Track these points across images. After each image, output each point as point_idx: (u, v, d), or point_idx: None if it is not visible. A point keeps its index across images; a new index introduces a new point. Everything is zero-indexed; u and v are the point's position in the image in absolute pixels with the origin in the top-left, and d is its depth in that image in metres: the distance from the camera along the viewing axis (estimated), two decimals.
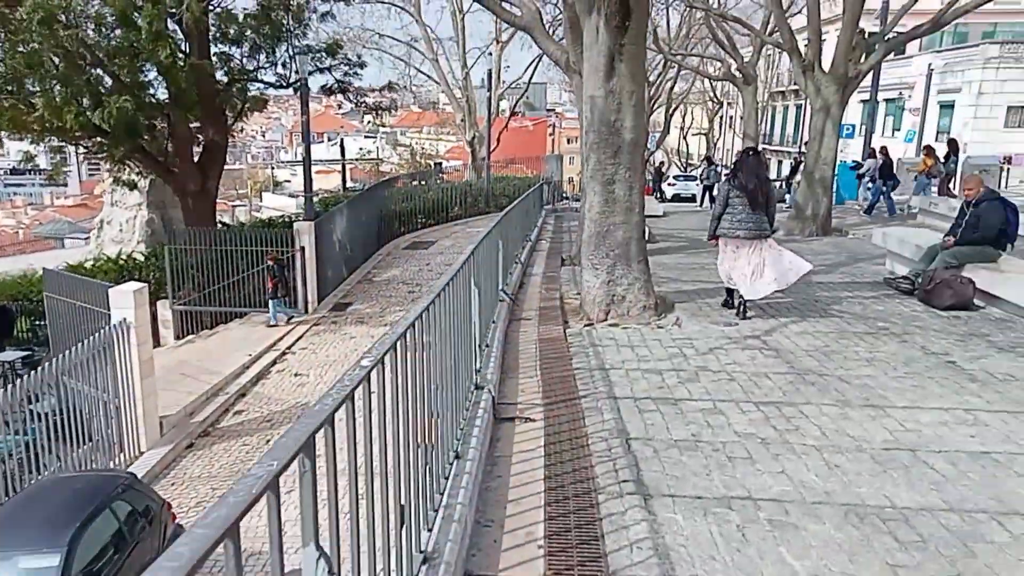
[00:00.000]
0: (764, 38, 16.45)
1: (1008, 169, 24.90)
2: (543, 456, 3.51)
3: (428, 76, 30.02)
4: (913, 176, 18.33)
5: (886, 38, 13.98)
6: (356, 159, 42.13)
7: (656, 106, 38.26)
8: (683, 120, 59.07)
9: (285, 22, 17.80)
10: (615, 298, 7.11)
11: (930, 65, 28.41)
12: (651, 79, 34.88)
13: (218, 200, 19.92)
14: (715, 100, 48.62)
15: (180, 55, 16.86)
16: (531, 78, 31.26)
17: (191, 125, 17.07)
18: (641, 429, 3.93)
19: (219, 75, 17.44)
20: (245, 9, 17.16)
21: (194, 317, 14.82)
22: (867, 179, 18.87)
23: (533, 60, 27.92)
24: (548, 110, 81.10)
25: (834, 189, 17.12)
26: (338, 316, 14.97)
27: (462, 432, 3.24)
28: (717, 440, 3.77)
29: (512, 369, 5.16)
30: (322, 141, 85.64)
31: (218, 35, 17.24)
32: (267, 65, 18.74)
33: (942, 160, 18.43)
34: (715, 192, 18.37)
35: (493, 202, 24.13)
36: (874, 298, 7.71)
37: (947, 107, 30.73)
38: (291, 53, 17.22)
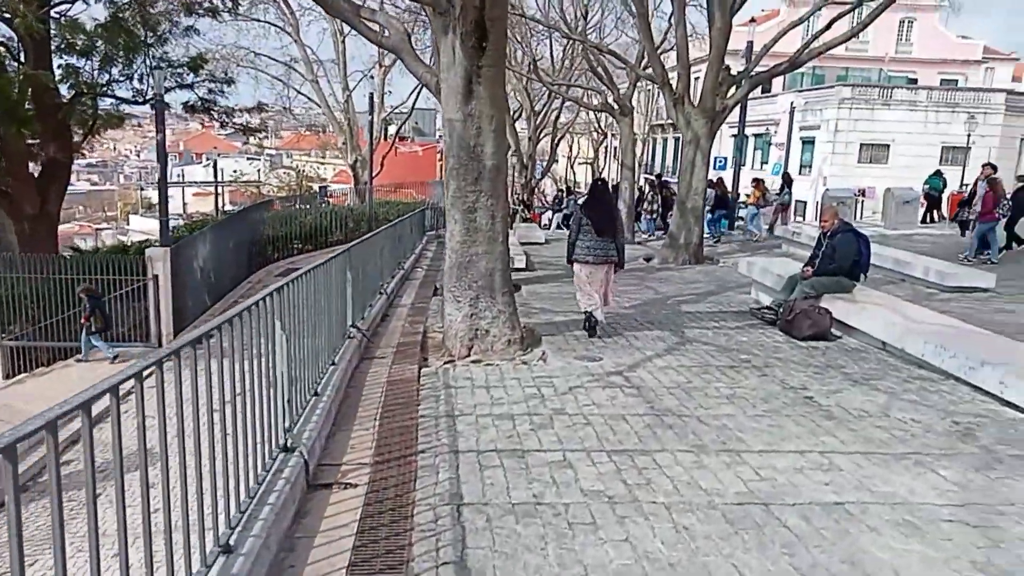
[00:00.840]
0: (638, 71, 16.85)
1: (863, 201, 26.90)
2: (354, 534, 2.96)
3: (308, 98, 28.97)
4: (744, 206, 19.86)
5: (750, 75, 14.58)
6: (230, 181, 40.00)
7: (543, 135, 38.85)
8: (570, 150, 60.62)
9: (141, 34, 16.51)
10: (479, 332, 6.67)
11: (792, 103, 30.38)
12: (536, 108, 35.44)
13: (84, 223, 18.08)
14: (599, 131, 50.08)
15: (15, 64, 15.21)
16: (415, 103, 30.85)
17: (28, 141, 15.39)
18: (478, 491, 3.45)
19: (64, 88, 15.88)
20: (96, 19, 15.75)
21: (27, 354, 13.15)
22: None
23: (417, 85, 27.48)
24: (441, 137, 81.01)
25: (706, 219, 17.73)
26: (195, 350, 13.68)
27: (243, 514, 2.64)
28: (560, 502, 3.36)
29: (348, 419, 4.57)
30: (199, 162, 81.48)
31: (63, 45, 15.71)
32: (121, 79, 17.31)
33: (776, 192, 20.25)
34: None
35: (376, 227, 23.36)
36: (739, 328, 7.69)
37: (808, 142, 32.98)
38: (148, 67, 15.93)
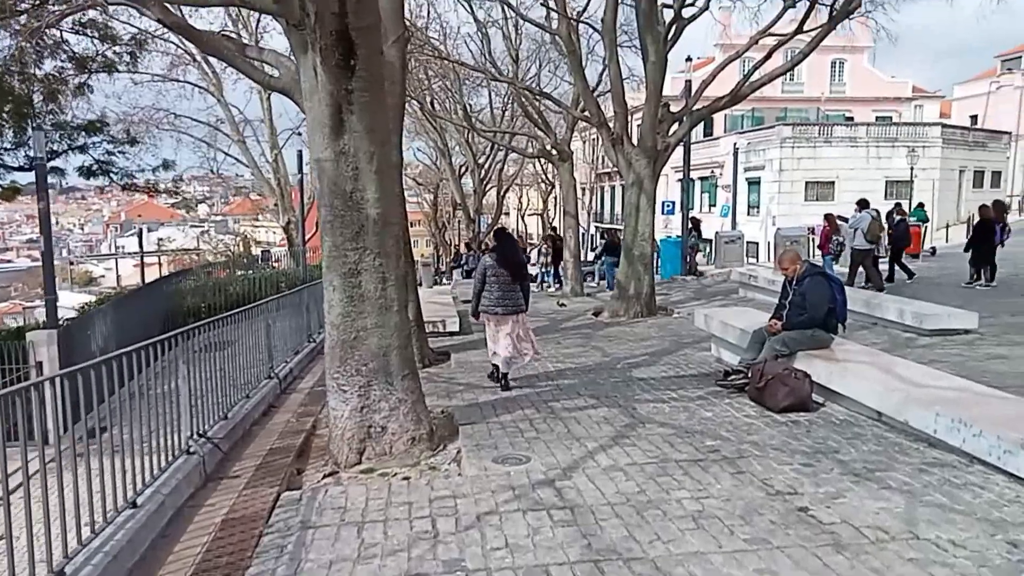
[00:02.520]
0: (574, 113, 15.92)
1: (814, 239, 26.42)
2: None
3: (236, 159, 27.46)
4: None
5: (691, 110, 13.70)
6: (156, 251, 37.91)
7: (488, 188, 37.98)
8: (519, 202, 60.16)
9: (28, 96, 14.92)
10: (372, 431, 5.17)
11: (736, 144, 30.12)
12: (480, 161, 34.61)
13: (18, 302, 16.02)
14: (547, 182, 49.59)
15: None
16: None
17: None
18: None
19: None
20: None
21: None
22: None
23: None
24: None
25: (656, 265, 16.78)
26: (88, 446, 11.72)
27: None
28: None
29: None
30: (142, 232, 78.77)
31: None
32: (9, 147, 15.65)
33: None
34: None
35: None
36: (702, 399, 6.33)
37: (754, 183, 32.72)
38: (31, 129, 14.30)
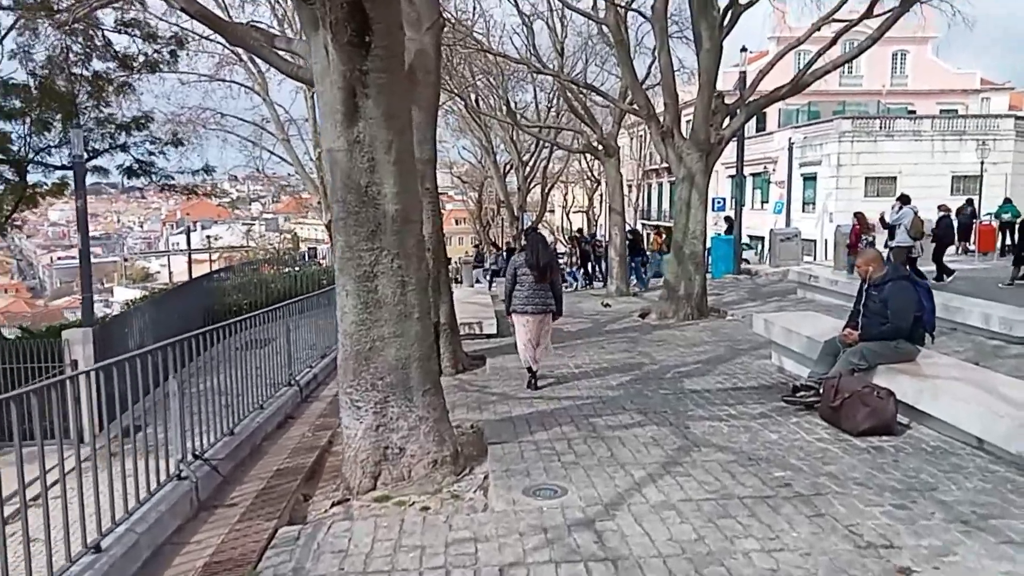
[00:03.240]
0: (621, 106, 15.15)
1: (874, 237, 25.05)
2: None
3: (281, 158, 27.49)
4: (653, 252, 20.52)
5: (747, 102, 12.82)
6: (202, 248, 38.41)
7: (532, 185, 37.37)
8: (564, 199, 59.42)
9: (70, 94, 14.93)
10: (389, 452, 4.61)
11: (791, 139, 28.83)
12: (524, 159, 34.00)
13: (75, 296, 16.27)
14: (593, 179, 48.69)
15: None
16: None
17: None
18: None
19: None
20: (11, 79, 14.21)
21: None
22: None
23: None
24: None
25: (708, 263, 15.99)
26: (123, 445, 11.54)
27: None
28: None
29: None
30: (195, 230, 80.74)
31: None
32: (56, 144, 15.72)
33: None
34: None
35: None
36: (765, 417, 5.59)
37: (810, 179, 31.34)
38: (72, 126, 14.29)
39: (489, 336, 10.64)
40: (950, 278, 13.41)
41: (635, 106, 13.90)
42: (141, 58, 14.90)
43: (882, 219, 13.64)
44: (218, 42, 21.72)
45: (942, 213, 13.72)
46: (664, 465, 4.56)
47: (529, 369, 7.07)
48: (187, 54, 18.37)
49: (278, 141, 26.65)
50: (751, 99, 12.79)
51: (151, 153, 15.35)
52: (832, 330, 6.59)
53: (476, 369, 8.56)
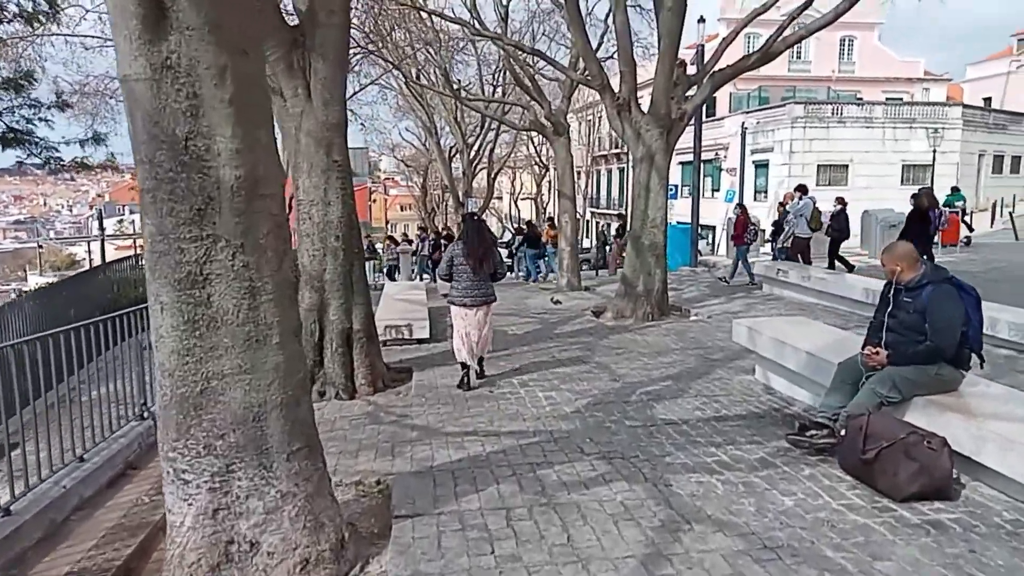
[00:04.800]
0: (570, 74, 13.65)
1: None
2: None
3: None
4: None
5: (711, 72, 11.48)
6: (123, 235, 35.51)
7: (479, 169, 35.72)
8: (512, 185, 58.06)
9: None
10: (234, 550, 3.02)
11: (743, 124, 27.98)
12: (469, 141, 32.29)
13: None
14: (542, 164, 47.32)
15: None
16: None
17: None
18: None
19: None
20: None
21: None
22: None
23: None
24: (381, 176, 77.51)
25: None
26: None
27: None
28: None
29: None
30: (123, 214, 76.18)
31: None
32: None
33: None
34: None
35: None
36: (767, 466, 4.21)
37: (762, 166, 30.59)
38: None
39: (420, 341, 9.04)
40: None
41: (587, 75, 12.43)
42: (12, 7, 12.62)
43: (783, 206, 13.80)
44: None
45: (839, 206, 13.49)
46: (644, 559, 3.10)
47: (463, 365, 6.57)
48: (84, 12, 16.00)
49: None
50: (716, 69, 11.46)
51: (28, 120, 13.09)
52: (839, 345, 5.26)
53: (399, 386, 6.98)
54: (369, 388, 6.74)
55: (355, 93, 24.52)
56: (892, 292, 4.45)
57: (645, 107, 11.04)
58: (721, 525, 3.43)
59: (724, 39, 11.49)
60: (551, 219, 19.96)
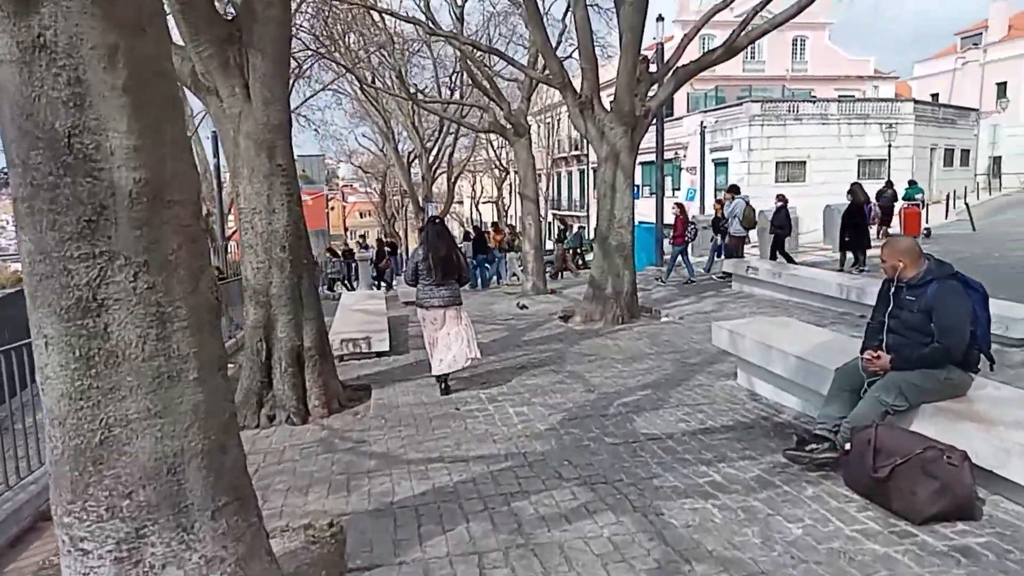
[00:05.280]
0: (529, 73, 13.25)
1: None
2: None
3: None
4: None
5: (674, 68, 11.18)
6: None
7: (438, 174, 35.14)
8: (473, 189, 57.67)
9: None
10: None
11: (702, 123, 27.96)
12: (428, 145, 31.70)
13: None
14: (502, 168, 46.95)
15: None
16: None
17: None
18: None
19: None
20: None
21: None
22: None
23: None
24: (339, 183, 76.09)
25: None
26: None
27: None
28: None
29: None
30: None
31: None
32: None
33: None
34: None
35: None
36: (766, 486, 3.81)
37: (721, 164, 30.67)
38: None
39: (380, 354, 8.49)
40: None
41: (547, 74, 12.04)
42: None
43: (720, 205, 14.21)
44: None
45: (779, 203, 13.80)
46: None
47: (440, 378, 6.43)
48: None
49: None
50: (679, 64, 11.16)
51: None
52: (829, 348, 4.92)
53: (357, 405, 6.44)
54: (323, 410, 6.19)
55: (308, 99, 23.85)
56: (893, 290, 4.09)
57: (607, 106, 10.70)
58: (726, 564, 3.00)
59: (686, 35, 11.21)
60: (495, 224, 19.60)
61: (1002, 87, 40.04)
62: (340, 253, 23.00)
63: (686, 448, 4.54)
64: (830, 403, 4.10)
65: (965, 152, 35.71)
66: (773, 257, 13.36)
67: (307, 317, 6.25)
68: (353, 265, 20.62)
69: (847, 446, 3.76)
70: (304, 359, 6.22)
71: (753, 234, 15.05)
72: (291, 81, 21.55)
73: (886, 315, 4.08)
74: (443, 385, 6.43)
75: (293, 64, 20.65)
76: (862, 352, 4.12)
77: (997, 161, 36.66)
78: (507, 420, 5.47)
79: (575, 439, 4.87)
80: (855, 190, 12.68)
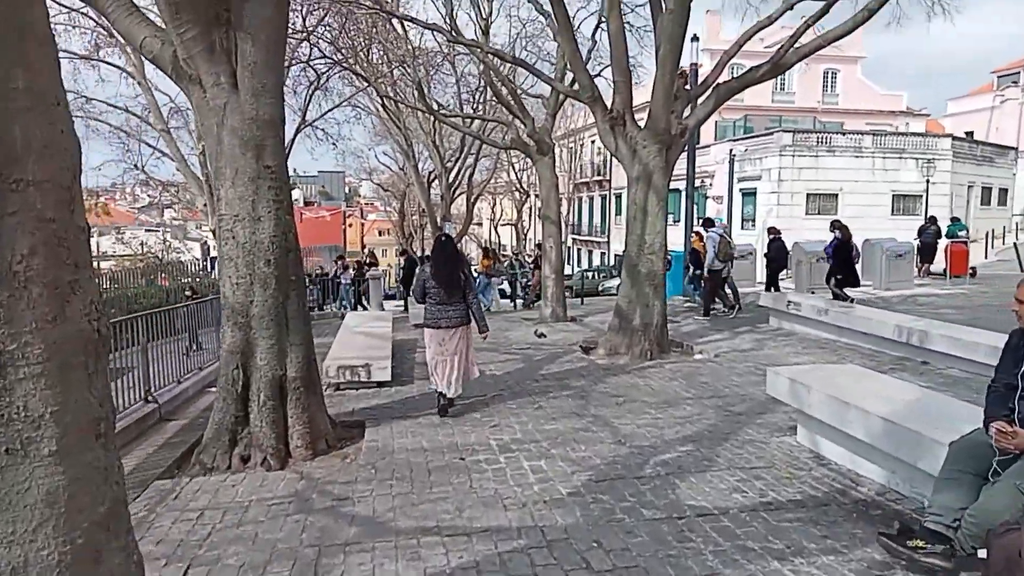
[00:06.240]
0: (557, 86, 12.45)
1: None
2: None
3: (162, 152, 23.60)
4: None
5: (714, 85, 10.34)
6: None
7: (458, 194, 34.50)
8: (492, 211, 57.19)
9: None
10: None
11: (731, 151, 27.07)
12: (448, 165, 31.06)
13: None
14: (522, 191, 46.31)
15: None
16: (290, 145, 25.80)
17: None
18: None
19: None
20: None
21: None
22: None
23: (296, 126, 22.49)
24: (360, 200, 76.01)
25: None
26: None
27: None
28: None
29: None
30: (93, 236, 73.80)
31: None
32: None
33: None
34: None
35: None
36: None
37: (749, 194, 29.74)
38: None
39: (381, 384, 7.60)
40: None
41: (575, 88, 11.24)
42: None
43: (698, 236, 13.69)
44: (91, 17, 18.09)
45: (772, 236, 13.65)
46: None
47: (441, 395, 6.27)
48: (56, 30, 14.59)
49: (158, 133, 22.88)
50: (720, 81, 10.32)
51: None
52: (925, 409, 3.95)
53: (348, 446, 5.54)
54: (307, 451, 5.29)
55: (327, 112, 23.35)
56: (1020, 337, 3.15)
57: (640, 124, 9.86)
58: None
59: (725, 52, 10.37)
60: (485, 249, 18.69)
61: None
62: (325, 271, 22.05)
63: (747, 532, 3.58)
64: (946, 489, 3.14)
65: (1003, 191, 34.52)
66: (768, 289, 13.25)
67: (292, 342, 5.38)
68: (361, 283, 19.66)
69: (980, 553, 2.79)
70: (287, 391, 5.34)
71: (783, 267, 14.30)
72: (310, 91, 21.16)
73: (1019, 376, 3.13)
74: (442, 400, 6.26)
75: (312, 74, 20.16)
76: (986, 423, 3.16)
77: None
78: (521, 478, 4.53)
79: (605, 510, 3.92)
80: (842, 227, 12.09)
